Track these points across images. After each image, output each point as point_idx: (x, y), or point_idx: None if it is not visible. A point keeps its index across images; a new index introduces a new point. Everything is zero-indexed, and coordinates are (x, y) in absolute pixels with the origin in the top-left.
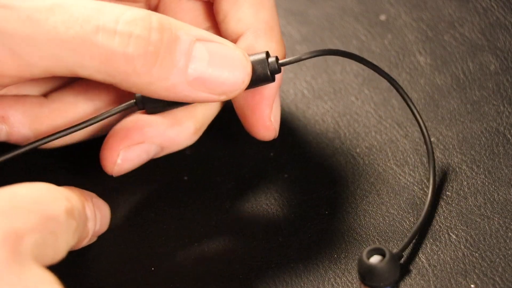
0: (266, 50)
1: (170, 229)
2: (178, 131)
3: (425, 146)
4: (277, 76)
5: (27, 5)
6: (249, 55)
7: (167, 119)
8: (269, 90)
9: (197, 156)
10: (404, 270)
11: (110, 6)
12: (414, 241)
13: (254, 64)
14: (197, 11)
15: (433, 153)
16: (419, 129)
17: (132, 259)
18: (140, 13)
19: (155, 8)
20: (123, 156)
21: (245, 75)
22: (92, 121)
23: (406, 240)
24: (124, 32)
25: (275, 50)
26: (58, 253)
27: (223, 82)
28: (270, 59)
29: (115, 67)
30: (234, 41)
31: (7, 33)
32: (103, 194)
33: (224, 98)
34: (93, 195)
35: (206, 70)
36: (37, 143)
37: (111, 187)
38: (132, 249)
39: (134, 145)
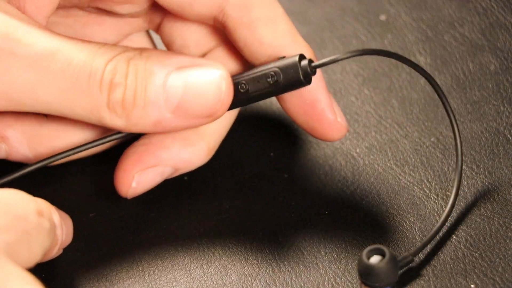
0: (300, 53)
1: (170, 229)
2: (192, 152)
3: (455, 155)
4: (319, 78)
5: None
6: (282, 58)
7: (179, 140)
8: (320, 93)
9: None
10: (406, 272)
11: (102, 50)
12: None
13: (287, 69)
14: (203, 30)
15: (461, 165)
16: (419, 129)
17: (132, 259)
18: (119, 58)
19: (158, 26)
20: (138, 179)
21: (226, 97)
22: (98, 143)
23: (419, 245)
24: (106, 81)
25: (305, 54)
26: (34, 254)
27: (202, 106)
28: (302, 62)
29: (102, 116)
30: (263, 62)
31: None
32: (103, 194)
33: (207, 121)
34: (54, 207)
35: (183, 99)
36: (38, 165)
37: (111, 187)
38: (133, 249)
39: (149, 168)
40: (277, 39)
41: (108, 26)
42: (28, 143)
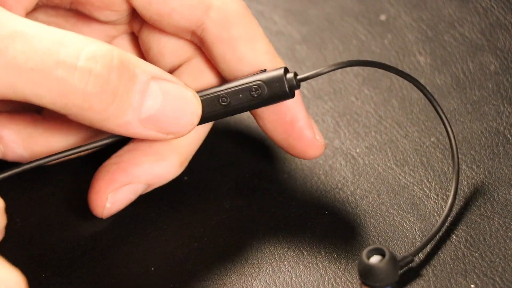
0: (283, 66)
1: (170, 229)
2: (164, 167)
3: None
4: (297, 95)
5: None
6: (268, 71)
7: (151, 156)
8: (299, 111)
9: (197, 156)
10: (406, 272)
11: (72, 38)
12: (420, 244)
13: (272, 82)
14: (180, 41)
15: (458, 168)
16: (419, 129)
17: (132, 259)
18: (101, 48)
19: (138, 32)
20: (112, 199)
21: (195, 118)
22: (92, 146)
23: (419, 245)
24: (84, 69)
25: None
26: None
27: (173, 123)
28: (288, 75)
29: (71, 102)
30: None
31: None
32: None
33: (171, 137)
34: None
35: (159, 109)
36: (32, 164)
37: None
38: (132, 249)
39: (122, 187)
40: (256, 57)
41: (96, 28)
42: (23, 143)
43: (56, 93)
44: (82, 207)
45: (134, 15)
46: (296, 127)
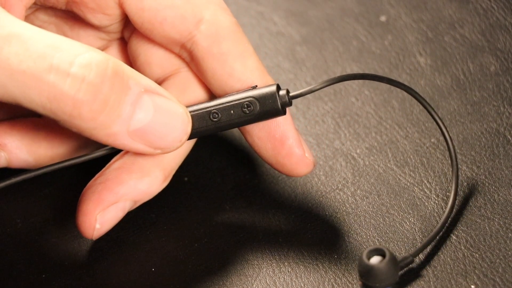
0: (275, 83)
1: (170, 229)
2: (148, 183)
3: (449, 160)
4: (287, 113)
5: None
6: (259, 87)
7: (135, 172)
8: (289, 129)
9: (197, 157)
10: (406, 272)
11: (69, 43)
12: (420, 245)
13: (265, 98)
14: (168, 53)
15: (457, 168)
16: (419, 130)
17: (132, 259)
18: (97, 57)
19: (128, 40)
20: (101, 220)
21: (184, 134)
22: (93, 155)
23: (419, 246)
24: (77, 76)
25: None
26: None
27: (162, 138)
28: (281, 92)
29: (61, 108)
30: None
31: None
32: None
33: (159, 152)
34: None
35: (149, 123)
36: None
37: None
38: (133, 249)
39: (110, 206)
40: (246, 73)
41: (91, 33)
42: (26, 148)
43: (46, 97)
44: None
45: (126, 22)
46: (285, 144)
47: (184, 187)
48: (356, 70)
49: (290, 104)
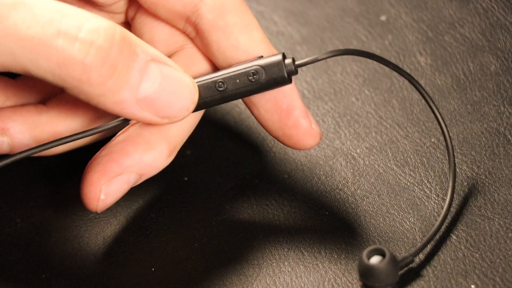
0: (282, 52)
1: (170, 229)
2: (153, 156)
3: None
4: (292, 84)
5: None
6: (266, 57)
7: (141, 145)
8: (296, 100)
9: (197, 156)
10: (406, 272)
11: (76, 10)
12: (420, 245)
13: (271, 66)
14: (172, 29)
15: (454, 167)
16: (419, 130)
17: (132, 259)
18: (104, 23)
19: (132, 20)
20: (106, 190)
21: (191, 103)
22: (96, 130)
23: (419, 245)
24: (85, 40)
25: None
26: None
27: (169, 107)
28: (286, 61)
29: (70, 73)
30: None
31: None
32: None
33: (166, 122)
34: None
35: (156, 91)
36: (31, 151)
37: None
38: (133, 249)
39: (114, 178)
40: (251, 45)
41: (95, 13)
42: (29, 132)
43: (54, 63)
44: (83, 207)
45: (131, 2)
46: (292, 115)
47: (184, 187)
48: (356, 69)
49: (296, 72)
